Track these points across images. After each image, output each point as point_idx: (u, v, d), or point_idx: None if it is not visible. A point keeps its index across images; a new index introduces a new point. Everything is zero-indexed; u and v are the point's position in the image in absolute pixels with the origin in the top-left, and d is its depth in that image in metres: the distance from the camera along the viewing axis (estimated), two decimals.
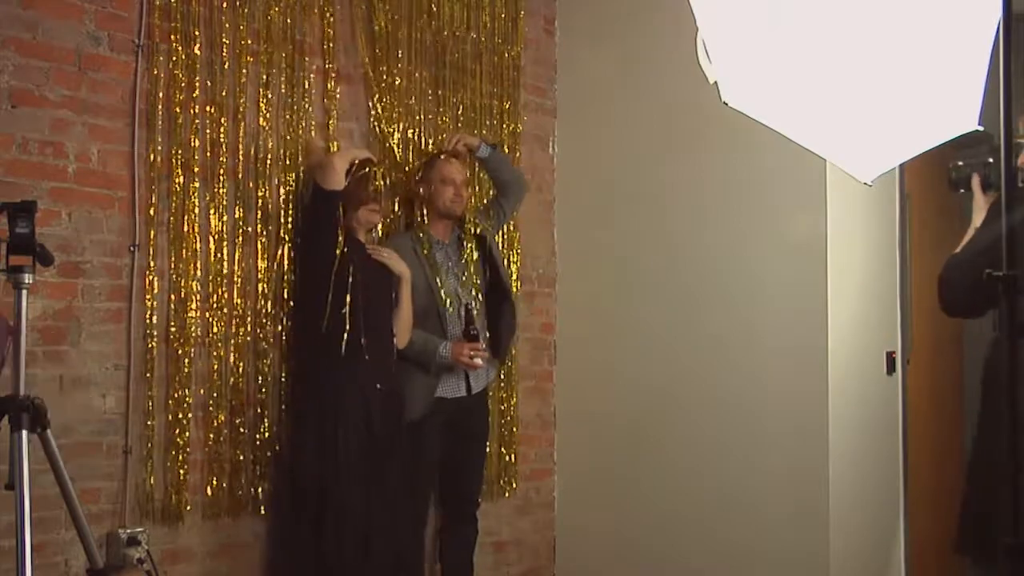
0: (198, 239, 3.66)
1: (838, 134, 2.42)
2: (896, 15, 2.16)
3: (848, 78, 2.24)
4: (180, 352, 3.61)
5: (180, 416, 3.60)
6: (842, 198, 4.14)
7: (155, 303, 3.56)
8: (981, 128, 2.32)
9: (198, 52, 3.68)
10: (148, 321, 3.55)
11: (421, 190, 4.11)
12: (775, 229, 4.28)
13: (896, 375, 4.44)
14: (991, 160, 2.94)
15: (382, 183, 3.90)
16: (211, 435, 3.68)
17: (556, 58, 4.99)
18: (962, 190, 3.04)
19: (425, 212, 4.12)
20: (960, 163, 3.03)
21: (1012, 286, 1.93)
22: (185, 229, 3.63)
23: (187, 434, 3.62)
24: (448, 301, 4.01)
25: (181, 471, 3.60)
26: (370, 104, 4.19)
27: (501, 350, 4.20)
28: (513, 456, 4.64)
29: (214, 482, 3.68)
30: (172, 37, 3.62)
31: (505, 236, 4.65)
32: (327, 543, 3.58)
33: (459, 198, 4.08)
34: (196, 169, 3.66)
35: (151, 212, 3.56)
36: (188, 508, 3.62)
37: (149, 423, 3.53)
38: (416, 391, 3.92)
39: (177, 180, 3.62)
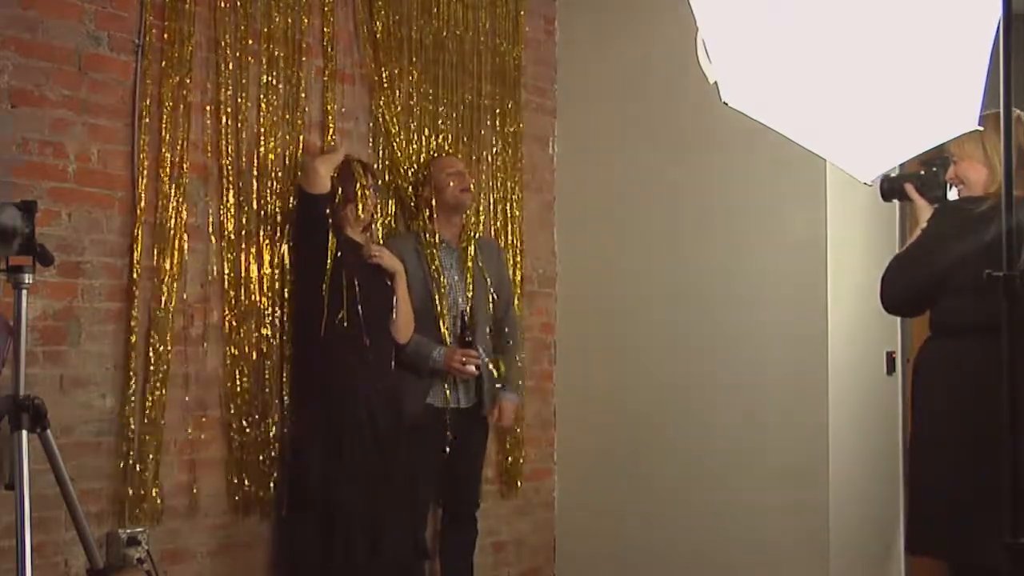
0: (198, 239, 3.66)
1: (838, 134, 2.42)
2: (896, 14, 2.16)
3: (848, 78, 2.24)
4: (180, 352, 3.60)
5: (180, 416, 3.60)
6: (842, 198, 4.14)
7: (155, 303, 3.56)
8: (981, 128, 2.33)
9: (198, 52, 3.68)
10: (148, 321, 3.54)
11: (426, 192, 4.11)
12: (775, 229, 4.28)
13: (896, 375, 4.44)
14: (923, 172, 3.08)
15: (366, 179, 3.87)
16: (211, 435, 3.68)
17: (556, 58, 4.99)
18: (895, 200, 3.22)
19: (435, 212, 4.09)
20: (891, 175, 3.11)
21: (1012, 286, 1.92)
22: (185, 229, 3.63)
23: (187, 434, 3.62)
24: (446, 305, 4.00)
25: (181, 471, 3.60)
26: (370, 104, 4.19)
27: (510, 379, 4.21)
28: (513, 456, 4.64)
29: (214, 482, 3.68)
30: (172, 37, 3.62)
31: (505, 236, 4.65)
32: (328, 543, 3.58)
33: (464, 184, 4.11)
34: (196, 169, 3.66)
35: (151, 212, 3.56)
36: (188, 508, 3.62)
37: (149, 423, 3.53)
38: (407, 395, 3.91)
39: (177, 180, 3.61)
